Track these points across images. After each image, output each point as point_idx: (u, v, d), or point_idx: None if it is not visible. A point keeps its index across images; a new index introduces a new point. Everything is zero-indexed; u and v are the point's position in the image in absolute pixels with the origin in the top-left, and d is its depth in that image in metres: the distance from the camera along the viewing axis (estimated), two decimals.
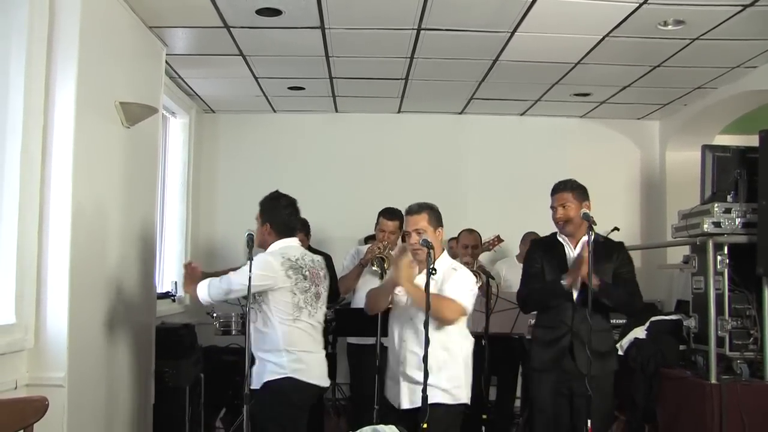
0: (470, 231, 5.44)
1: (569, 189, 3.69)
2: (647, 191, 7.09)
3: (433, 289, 3.12)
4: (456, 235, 5.44)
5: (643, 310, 4.36)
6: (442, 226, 3.45)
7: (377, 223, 4.73)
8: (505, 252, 6.19)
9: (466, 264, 4.15)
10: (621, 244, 3.84)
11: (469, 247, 5.28)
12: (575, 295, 3.60)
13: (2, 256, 3.21)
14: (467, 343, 3.43)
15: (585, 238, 3.54)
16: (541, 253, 3.81)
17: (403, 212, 3.56)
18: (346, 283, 4.74)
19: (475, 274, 3.67)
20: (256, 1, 4.05)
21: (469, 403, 3.37)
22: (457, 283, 3.33)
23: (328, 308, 5.52)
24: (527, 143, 6.96)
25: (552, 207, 3.73)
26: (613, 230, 6.22)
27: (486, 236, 5.44)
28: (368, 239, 5.75)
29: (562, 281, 3.59)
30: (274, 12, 4.21)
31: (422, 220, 3.36)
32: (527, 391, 3.79)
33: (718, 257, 4.08)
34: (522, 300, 3.90)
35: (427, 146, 6.94)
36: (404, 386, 3.32)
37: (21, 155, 3.22)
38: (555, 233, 3.82)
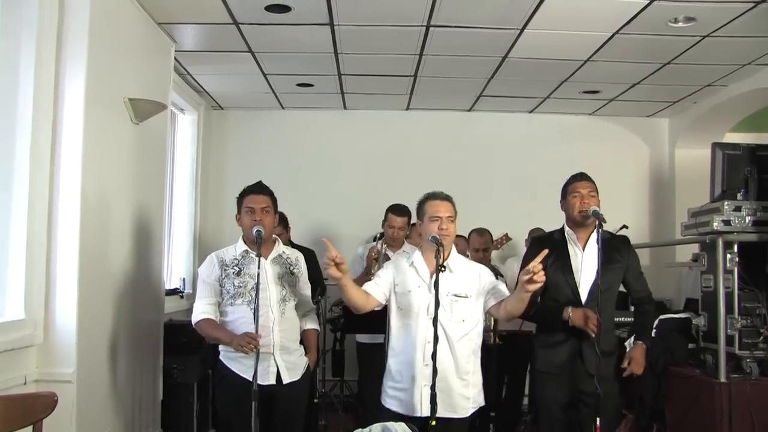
0: (481, 233, 5.22)
1: (591, 180, 3.51)
2: (656, 189, 7.06)
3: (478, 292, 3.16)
4: (463, 233, 5.37)
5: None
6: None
7: (385, 219, 4.71)
8: (515, 249, 6.18)
9: None
10: (626, 238, 3.70)
11: (479, 251, 5.10)
12: (584, 298, 3.45)
13: (12, 252, 3.22)
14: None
15: (594, 236, 3.47)
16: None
17: (412, 208, 3.48)
18: None
19: None
20: None
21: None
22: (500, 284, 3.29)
23: (335, 305, 5.56)
24: (536, 141, 6.95)
25: (575, 196, 3.47)
26: (621, 228, 6.22)
27: (494, 234, 5.40)
28: (378, 238, 5.73)
29: (566, 316, 3.40)
30: (283, 8, 4.21)
31: (452, 209, 3.18)
32: (533, 392, 3.65)
33: (728, 255, 4.05)
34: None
35: (435, 143, 6.94)
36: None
37: (30, 151, 3.23)
38: (561, 230, 3.62)
